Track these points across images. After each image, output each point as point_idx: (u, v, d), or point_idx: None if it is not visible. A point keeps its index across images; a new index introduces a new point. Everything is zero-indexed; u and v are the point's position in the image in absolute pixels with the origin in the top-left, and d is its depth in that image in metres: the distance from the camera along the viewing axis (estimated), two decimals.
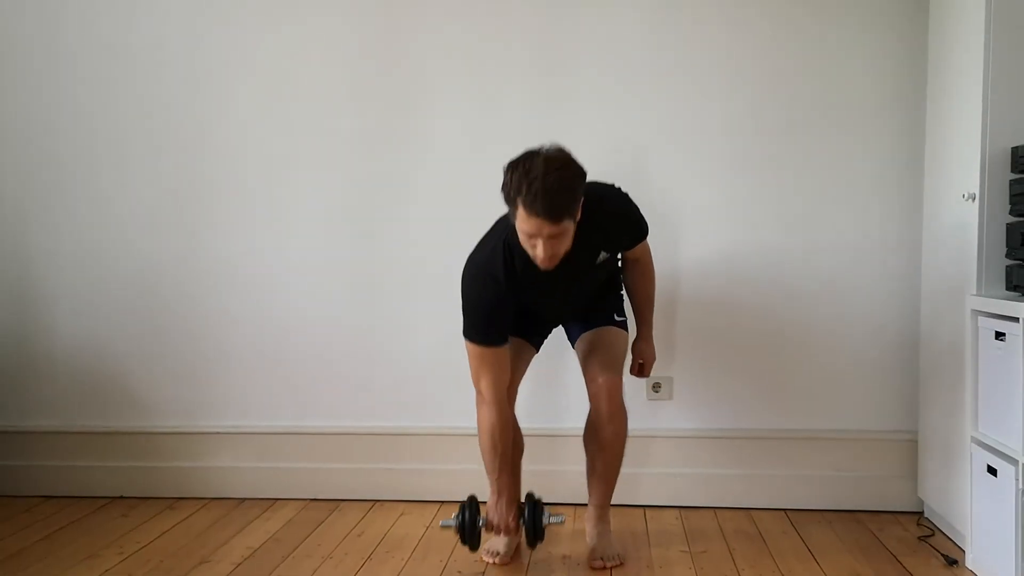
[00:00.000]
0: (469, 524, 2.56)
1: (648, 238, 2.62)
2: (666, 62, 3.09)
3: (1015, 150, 2.44)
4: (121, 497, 3.32)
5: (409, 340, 3.24)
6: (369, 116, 3.22)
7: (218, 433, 3.32)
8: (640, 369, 2.81)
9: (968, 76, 2.60)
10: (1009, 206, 2.48)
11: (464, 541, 2.58)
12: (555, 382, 3.08)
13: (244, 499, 3.28)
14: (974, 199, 2.55)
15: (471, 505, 2.58)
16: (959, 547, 2.72)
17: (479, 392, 2.55)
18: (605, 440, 2.62)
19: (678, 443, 3.17)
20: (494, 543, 2.70)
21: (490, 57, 3.13)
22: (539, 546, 2.63)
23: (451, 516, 2.59)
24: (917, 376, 3.05)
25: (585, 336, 2.68)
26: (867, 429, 3.11)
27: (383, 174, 3.23)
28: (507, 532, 2.56)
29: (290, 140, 3.25)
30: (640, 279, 2.73)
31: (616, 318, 2.68)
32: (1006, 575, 2.35)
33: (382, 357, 3.26)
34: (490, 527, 2.56)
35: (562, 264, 2.33)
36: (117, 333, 3.34)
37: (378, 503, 3.23)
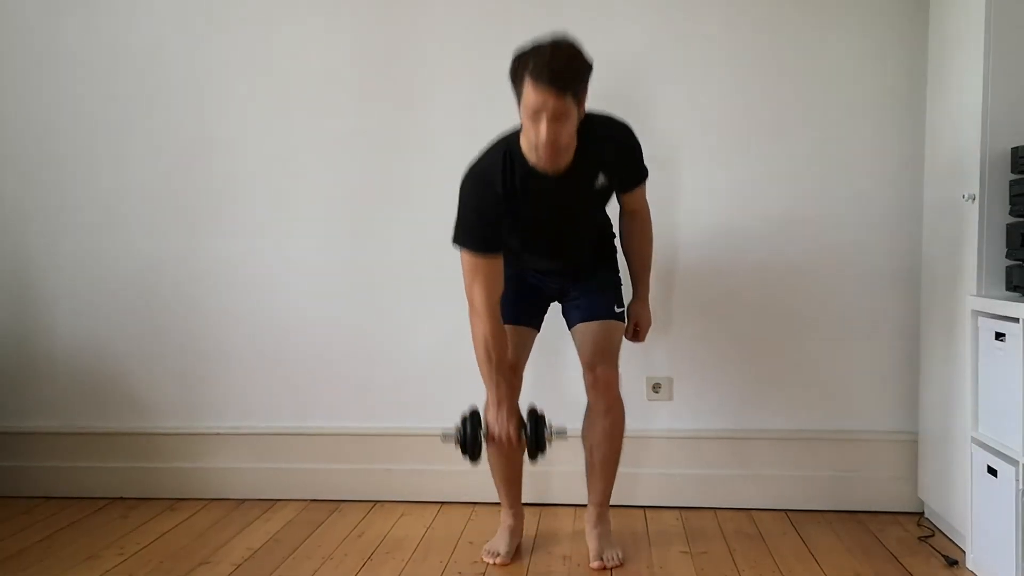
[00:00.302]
0: (471, 436, 2.50)
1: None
2: (667, 67, 3.09)
3: (1015, 150, 2.44)
4: (121, 498, 3.32)
5: (409, 340, 3.24)
6: (370, 116, 3.22)
7: (218, 434, 3.32)
8: (635, 334, 2.76)
9: (968, 76, 2.60)
10: (1009, 207, 2.48)
11: (465, 452, 2.51)
12: (550, 385, 3.08)
13: (244, 500, 3.28)
14: (974, 199, 2.55)
15: (472, 417, 2.53)
16: (959, 547, 2.72)
17: (471, 303, 2.49)
18: (603, 432, 2.62)
19: (678, 443, 3.17)
20: (494, 543, 2.70)
21: (491, 57, 3.12)
22: (537, 559, 2.62)
23: (452, 428, 2.54)
24: (917, 376, 3.05)
25: (583, 326, 2.64)
26: (867, 429, 3.11)
27: (383, 174, 3.23)
28: (508, 441, 2.48)
29: (290, 141, 3.25)
30: (638, 237, 2.69)
31: (615, 310, 2.66)
32: (1006, 575, 2.35)
33: (382, 358, 3.26)
34: (491, 438, 2.50)
35: (560, 181, 2.39)
36: (117, 333, 3.34)
37: (378, 504, 3.23)
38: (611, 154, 2.48)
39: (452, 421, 3.14)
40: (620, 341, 2.69)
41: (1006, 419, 2.36)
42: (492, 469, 2.73)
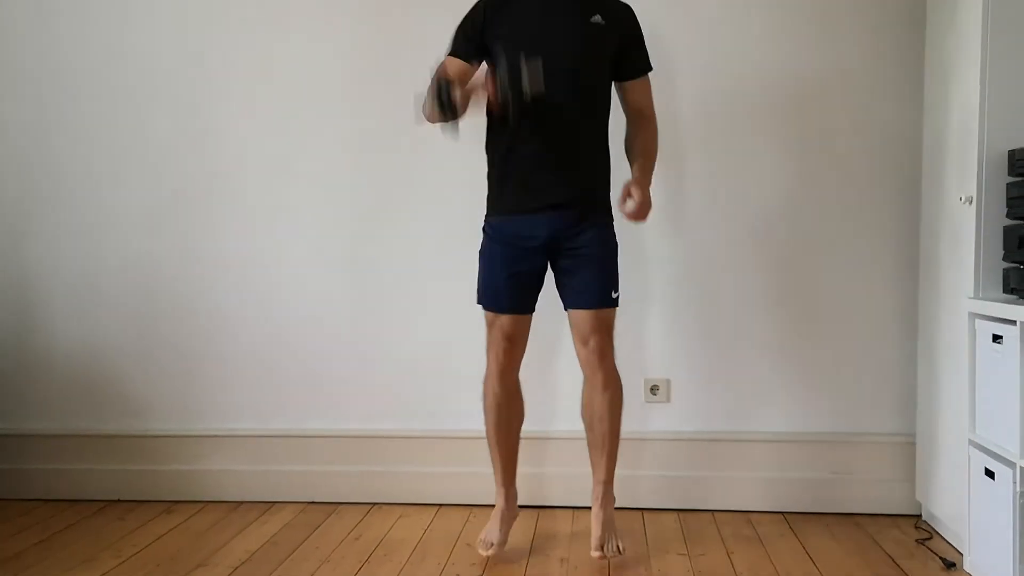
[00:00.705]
0: (445, 88, 2.32)
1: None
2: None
3: (1012, 153, 2.44)
4: (118, 500, 3.32)
5: (407, 342, 3.24)
6: (368, 119, 3.22)
7: (215, 436, 3.32)
8: (635, 214, 2.56)
9: (965, 79, 2.61)
10: (1006, 209, 2.48)
11: (439, 96, 2.33)
12: (545, 385, 3.08)
13: (241, 502, 3.28)
14: (971, 202, 2.56)
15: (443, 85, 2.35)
16: (957, 550, 2.73)
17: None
18: (603, 407, 2.62)
19: (676, 446, 3.17)
20: (488, 533, 2.70)
21: None
22: (535, 561, 2.62)
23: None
24: (915, 379, 3.06)
25: (580, 313, 2.60)
26: (865, 432, 3.12)
27: (382, 177, 3.23)
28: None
29: (288, 143, 3.25)
30: (643, 138, 2.64)
31: (612, 295, 2.61)
32: None
33: (380, 360, 3.26)
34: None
35: (553, 2, 2.50)
36: (114, 335, 3.34)
37: (376, 506, 3.23)
38: (612, 9, 2.57)
39: (450, 423, 3.18)
40: (614, 318, 2.65)
41: (1003, 421, 2.37)
42: (489, 439, 2.72)
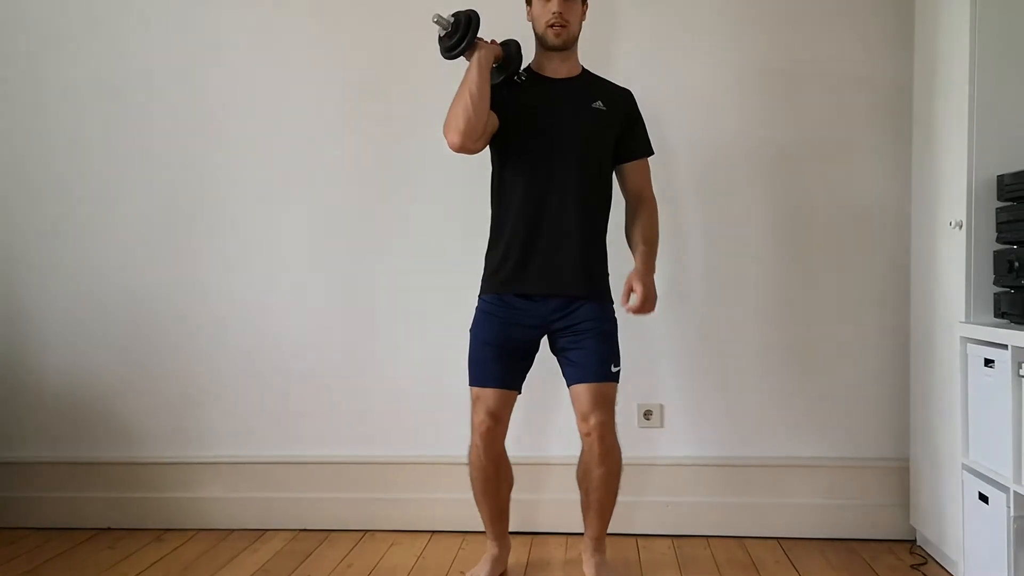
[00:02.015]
0: (464, 22, 2.48)
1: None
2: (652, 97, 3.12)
3: (1000, 178, 2.46)
4: (108, 528, 3.29)
5: (400, 368, 3.23)
6: (362, 143, 3.23)
7: (206, 463, 3.30)
8: (640, 307, 2.59)
9: (954, 104, 2.63)
10: (996, 234, 2.50)
11: (451, 38, 2.49)
12: (540, 410, 3.07)
13: (232, 530, 3.25)
14: (961, 227, 2.57)
15: (471, 19, 2.50)
16: (952, 575, 2.71)
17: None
18: (599, 479, 2.60)
19: (670, 471, 3.16)
20: (476, 571, 2.69)
21: None
22: None
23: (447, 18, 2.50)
24: (908, 403, 3.05)
25: (580, 387, 2.58)
26: (859, 456, 3.11)
27: (376, 201, 3.23)
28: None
29: (282, 167, 3.26)
30: (644, 224, 2.65)
31: (612, 369, 2.60)
32: None
33: (372, 386, 3.24)
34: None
35: (559, 86, 2.58)
36: (104, 361, 3.32)
37: (368, 533, 3.20)
38: (614, 94, 2.64)
39: (444, 450, 3.15)
40: (615, 393, 2.63)
41: (996, 446, 2.36)
42: (478, 502, 2.71)
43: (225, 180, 3.28)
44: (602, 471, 2.59)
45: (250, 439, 3.29)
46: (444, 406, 3.15)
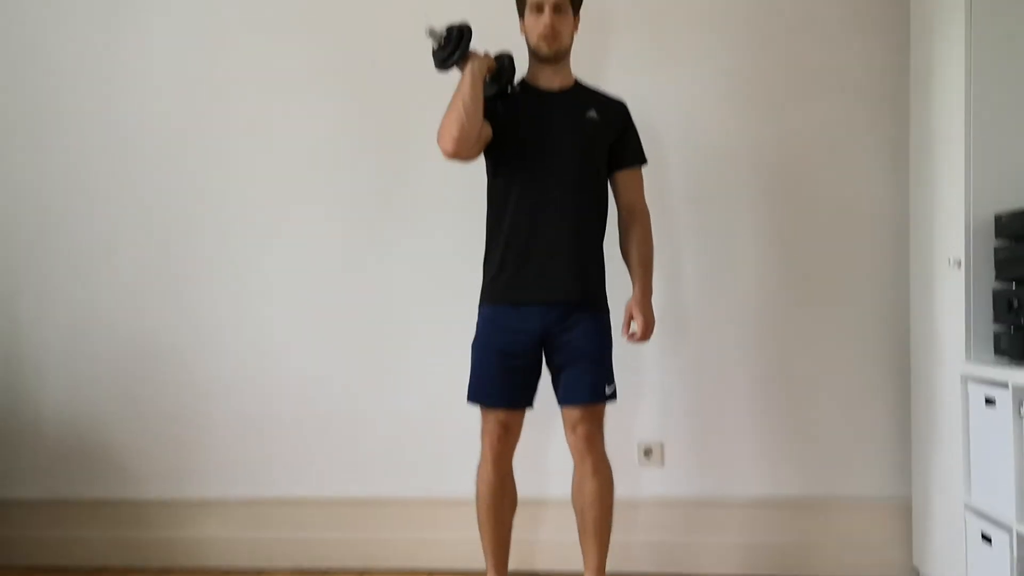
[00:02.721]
0: (457, 42, 2.51)
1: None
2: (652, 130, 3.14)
3: (998, 217, 2.47)
4: (106, 568, 3.26)
5: (400, 406, 3.23)
6: (359, 184, 3.25)
7: (205, 502, 3.28)
8: (640, 334, 2.63)
9: (950, 143, 2.64)
10: (995, 272, 2.50)
11: (443, 49, 2.52)
12: (537, 449, 3.06)
13: (231, 570, 3.22)
14: (960, 265, 2.57)
15: (463, 31, 2.53)
16: None
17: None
18: (593, 493, 2.59)
19: (670, 510, 3.14)
20: None
21: None
22: None
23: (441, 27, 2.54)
24: (909, 442, 3.04)
25: (572, 408, 2.59)
26: (860, 496, 3.09)
27: (371, 242, 3.25)
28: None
29: (276, 210, 3.28)
30: (638, 239, 2.67)
31: (606, 391, 2.60)
32: None
33: (372, 424, 3.24)
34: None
35: (553, 98, 2.61)
36: (103, 400, 3.32)
37: (368, 573, 3.18)
38: (607, 105, 2.66)
39: (444, 488, 3.14)
40: (604, 410, 2.64)
41: (999, 485, 2.35)
42: (481, 524, 2.69)
43: (220, 220, 3.30)
44: (595, 483, 2.59)
45: (247, 478, 3.27)
46: (444, 444, 3.14)
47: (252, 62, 3.28)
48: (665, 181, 3.08)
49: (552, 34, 2.56)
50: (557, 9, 2.55)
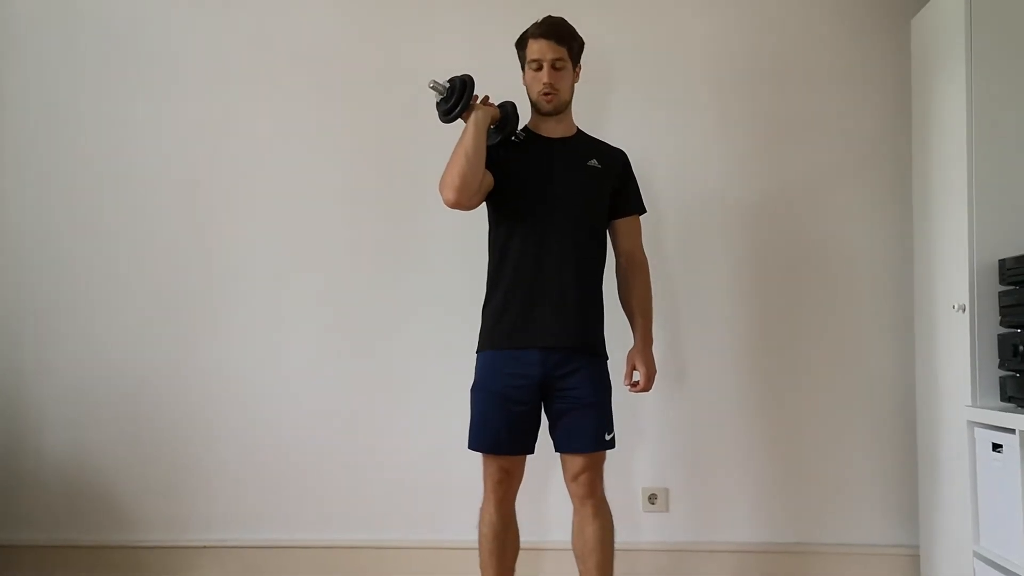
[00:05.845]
0: (459, 94, 2.53)
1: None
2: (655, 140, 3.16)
3: (1002, 262, 2.47)
4: None
5: (400, 452, 3.20)
6: (364, 226, 3.27)
7: (206, 547, 3.24)
8: (634, 379, 2.62)
9: (953, 189, 2.66)
10: (999, 317, 2.50)
11: (447, 102, 2.54)
12: (537, 494, 3.02)
13: None
14: (964, 310, 2.57)
15: (467, 83, 2.56)
16: None
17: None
18: (593, 538, 2.55)
19: (675, 557, 3.10)
20: None
21: None
22: None
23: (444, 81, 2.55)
24: (916, 488, 3.01)
25: (573, 456, 2.56)
26: (868, 543, 3.06)
27: (375, 286, 3.25)
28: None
29: (281, 251, 3.29)
30: (637, 288, 2.66)
31: (605, 438, 2.57)
32: None
33: (373, 470, 3.21)
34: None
35: (554, 146, 2.62)
36: (102, 445, 3.30)
37: None
38: (608, 154, 2.67)
39: (444, 534, 3.10)
40: (605, 458, 2.61)
41: (1007, 532, 2.32)
42: (483, 568, 2.65)
43: (225, 263, 3.31)
44: (595, 526, 2.55)
45: (248, 523, 3.24)
46: (446, 490, 3.12)
47: (262, 113, 3.32)
48: (663, 230, 3.10)
49: (551, 91, 2.57)
50: (555, 66, 2.57)
